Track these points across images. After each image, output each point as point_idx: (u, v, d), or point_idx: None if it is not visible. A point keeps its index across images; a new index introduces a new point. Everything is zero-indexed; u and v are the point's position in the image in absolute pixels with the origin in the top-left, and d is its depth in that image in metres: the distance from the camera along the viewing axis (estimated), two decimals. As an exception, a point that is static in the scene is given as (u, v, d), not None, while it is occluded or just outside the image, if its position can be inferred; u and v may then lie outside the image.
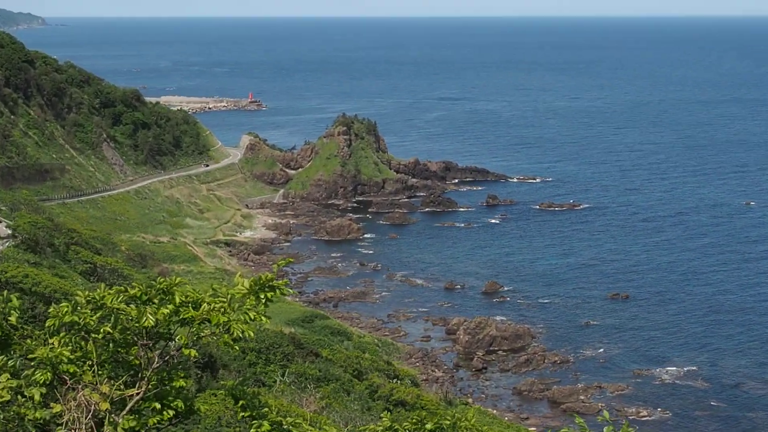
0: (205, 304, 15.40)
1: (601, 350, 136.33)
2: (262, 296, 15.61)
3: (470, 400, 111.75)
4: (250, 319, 15.32)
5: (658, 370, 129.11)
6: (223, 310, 15.36)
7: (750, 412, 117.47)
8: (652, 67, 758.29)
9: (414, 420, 17.11)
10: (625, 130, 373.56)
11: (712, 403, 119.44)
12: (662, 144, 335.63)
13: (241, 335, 15.29)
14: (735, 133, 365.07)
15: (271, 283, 15.71)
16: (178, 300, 15.49)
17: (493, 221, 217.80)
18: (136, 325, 15.26)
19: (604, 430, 14.79)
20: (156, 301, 15.61)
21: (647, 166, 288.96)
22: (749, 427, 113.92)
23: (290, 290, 16.13)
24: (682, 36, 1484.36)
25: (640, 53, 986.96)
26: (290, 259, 16.95)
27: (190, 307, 15.48)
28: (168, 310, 15.33)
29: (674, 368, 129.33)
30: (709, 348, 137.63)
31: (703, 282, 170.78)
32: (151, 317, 15.13)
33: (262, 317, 15.50)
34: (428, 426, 17.00)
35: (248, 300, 15.56)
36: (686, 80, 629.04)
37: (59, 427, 14.57)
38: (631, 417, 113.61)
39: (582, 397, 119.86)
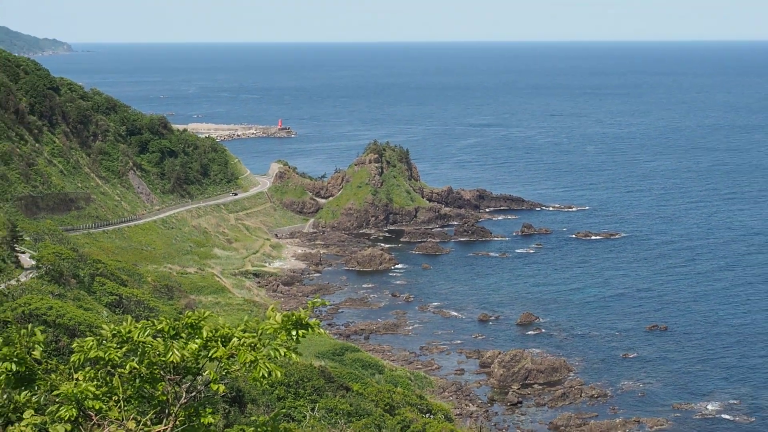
0: (235, 339, 15.30)
1: (640, 383, 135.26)
2: (294, 333, 15.46)
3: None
4: (281, 355, 15.19)
5: (699, 403, 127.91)
6: (252, 346, 15.23)
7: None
8: (687, 93, 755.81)
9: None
10: (662, 157, 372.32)
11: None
12: (699, 171, 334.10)
13: (266, 375, 15.13)
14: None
15: (304, 322, 15.58)
16: (205, 335, 15.39)
17: (528, 251, 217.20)
18: (163, 359, 15.18)
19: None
20: (184, 335, 15.53)
21: (684, 194, 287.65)
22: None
23: (322, 331, 16.02)
24: (719, 61, 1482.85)
25: (676, 78, 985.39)
26: (326, 302, 16.78)
27: (219, 342, 15.38)
28: (196, 346, 15.24)
29: (716, 402, 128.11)
30: (752, 381, 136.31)
31: (743, 312, 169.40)
32: (177, 352, 15.04)
33: (292, 353, 15.38)
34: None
35: (280, 335, 15.45)
36: (723, 105, 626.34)
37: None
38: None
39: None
